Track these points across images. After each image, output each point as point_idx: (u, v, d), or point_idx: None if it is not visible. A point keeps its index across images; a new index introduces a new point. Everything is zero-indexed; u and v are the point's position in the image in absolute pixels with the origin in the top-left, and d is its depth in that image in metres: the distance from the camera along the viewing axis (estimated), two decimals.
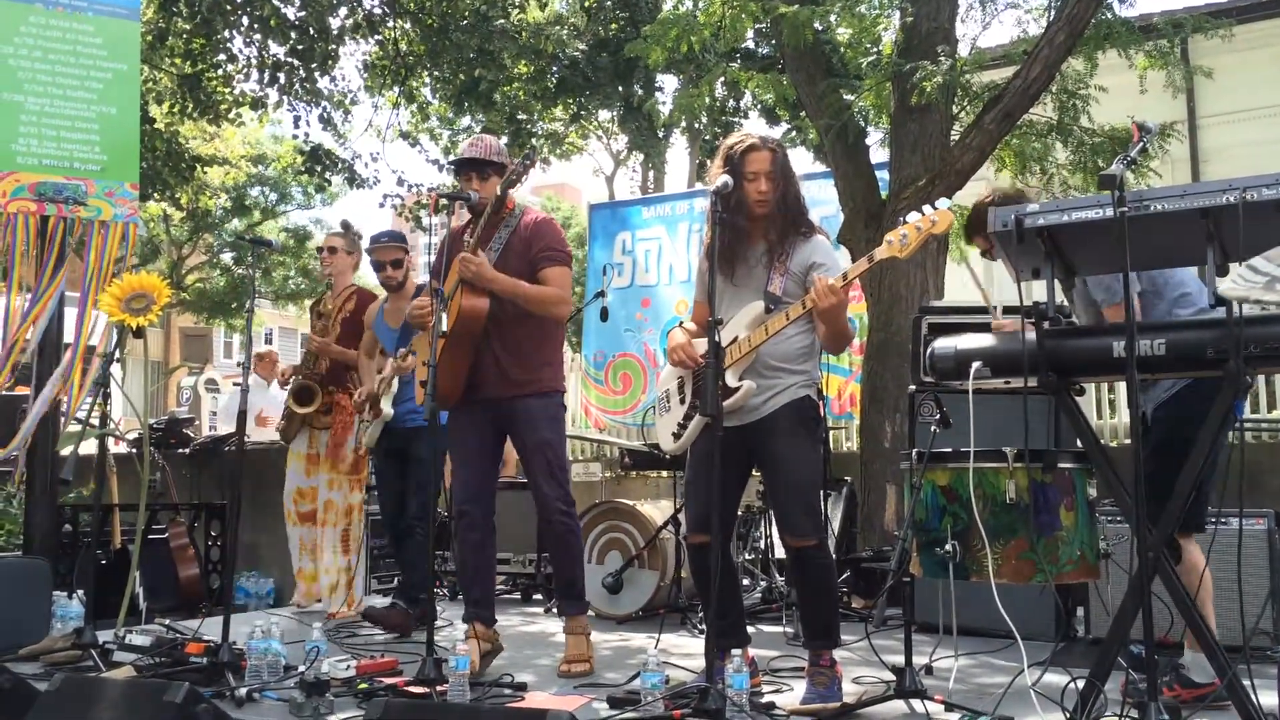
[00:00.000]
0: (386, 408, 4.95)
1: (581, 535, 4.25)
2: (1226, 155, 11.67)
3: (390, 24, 11.32)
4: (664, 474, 5.65)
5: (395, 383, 4.94)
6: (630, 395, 9.14)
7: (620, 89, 14.12)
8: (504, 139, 13.15)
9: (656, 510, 5.28)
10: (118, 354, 4.50)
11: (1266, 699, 2.69)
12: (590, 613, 4.27)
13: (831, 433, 6.28)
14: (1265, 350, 2.57)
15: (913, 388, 4.78)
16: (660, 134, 16.64)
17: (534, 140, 13.99)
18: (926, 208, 3.17)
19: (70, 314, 5.10)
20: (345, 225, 5.69)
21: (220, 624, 3.82)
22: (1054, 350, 2.82)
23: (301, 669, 3.40)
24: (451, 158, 4.61)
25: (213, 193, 18.85)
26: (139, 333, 4.23)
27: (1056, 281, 2.85)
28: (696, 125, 16.66)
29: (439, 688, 3.31)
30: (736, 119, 15.47)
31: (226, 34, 10.81)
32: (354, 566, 5.43)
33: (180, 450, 7.71)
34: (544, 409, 4.01)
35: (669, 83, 15.76)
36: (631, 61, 11.79)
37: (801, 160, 14.03)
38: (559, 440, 4.08)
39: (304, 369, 5.50)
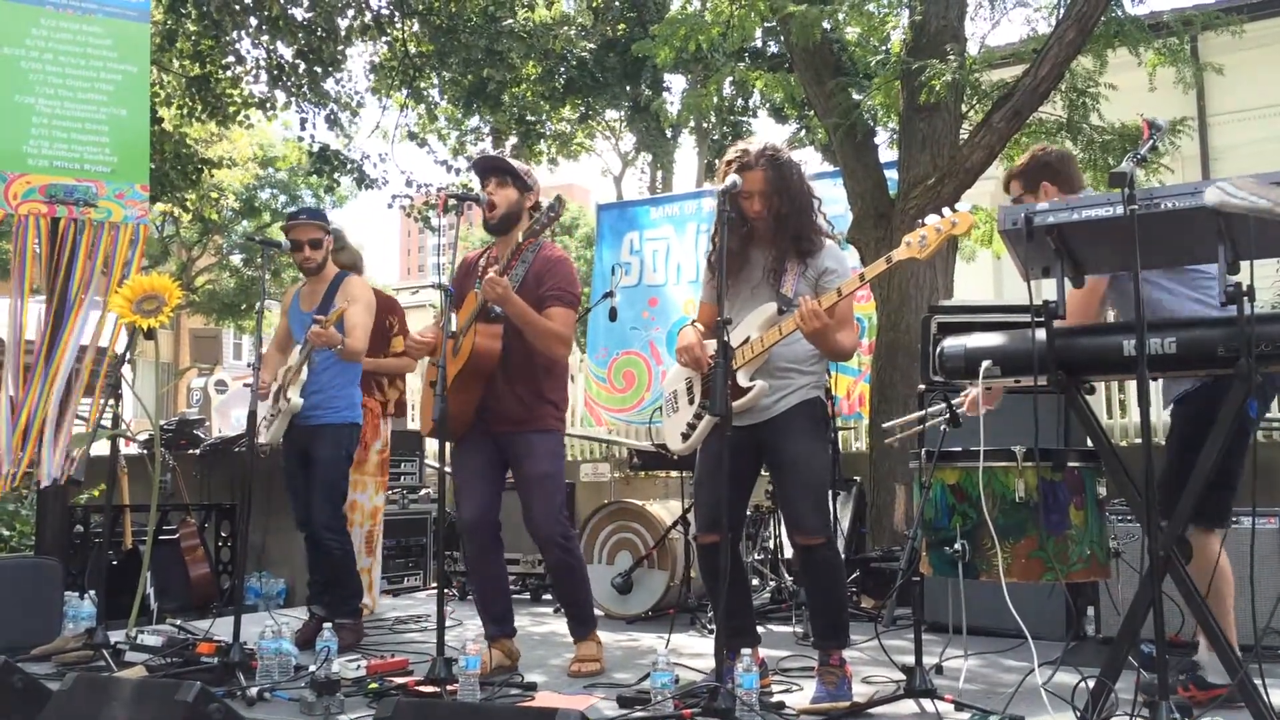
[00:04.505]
0: (295, 397, 4.58)
1: (582, 560, 4.22)
2: (1237, 153, 11.62)
3: (398, 25, 11.33)
4: (673, 474, 5.65)
5: (305, 371, 4.63)
6: (634, 393, 9.15)
7: (628, 89, 14.12)
8: (512, 139, 13.15)
9: (665, 510, 5.28)
10: (128, 355, 4.52)
11: (1279, 699, 2.68)
12: (599, 613, 4.28)
13: (840, 433, 6.26)
14: (1276, 349, 2.56)
15: (922, 387, 4.78)
16: (668, 134, 16.64)
17: (543, 141, 13.99)
18: (946, 210, 3.17)
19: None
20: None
21: (231, 624, 3.83)
22: (1064, 349, 2.81)
23: (312, 669, 3.42)
24: (473, 157, 4.58)
25: (220, 195, 18.89)
26: (150, 334, 4.25)
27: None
28: (705, 125, 16.67)
29: (449, 687, 3.32)
30: (745, 118, 15.46)
31: (235, 35, 10.83)
32: (373, 568, 5.49)
33: (190, 451, 7.74)
34: (545, 444, 4.01)
35: (677, 82, 15.77)
36: (639, 61, 11.79)
37: (810, 159, 14.02)
38: (558, 474, 4.07)
39: None
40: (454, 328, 3.68)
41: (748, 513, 5.01)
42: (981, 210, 7.46)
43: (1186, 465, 2.88)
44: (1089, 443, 3.03)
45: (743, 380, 3.35)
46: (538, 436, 3.99)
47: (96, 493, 6.64)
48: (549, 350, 3.96)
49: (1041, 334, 2.80)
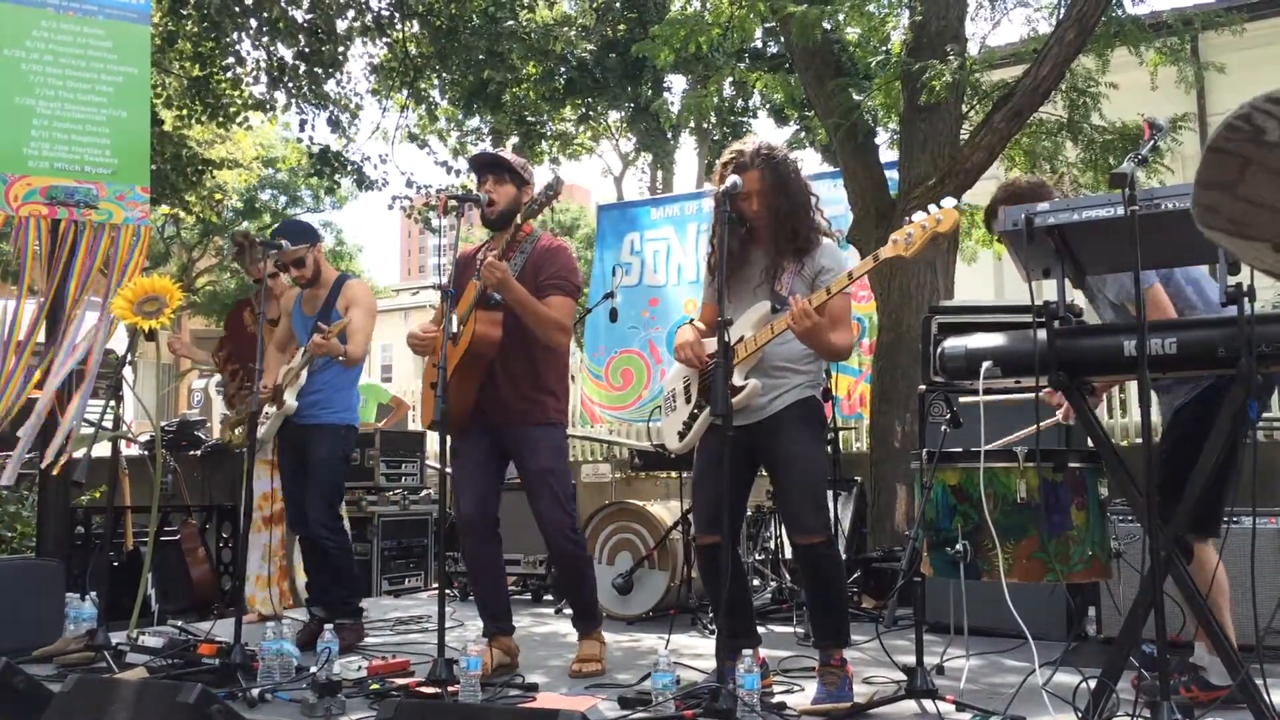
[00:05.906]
0: (290, 400, 4.62)
1: (589, 554, 4.21)
2: None
3: (399, 26, 11.32)
4: (673, 474, 5.65)
5: (304, 375, 4.66)
6: (631, 391, 9.16)
7: (629, 89, 14.10)
8: (513, 140, 13.15)
9: (666, 511, 5.28)
10: (129, 357, 4.51)
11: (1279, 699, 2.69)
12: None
13: (841, 433, 6.26)
14: (1276, 349, 2.56)
15: (923, 387, 4.78)
16: (669, 134, 16.62)
17: (544, 142, 13.98)
18: (932, 207, 3.17)
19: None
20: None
21: (232, 625, 3.83)
22: (1064, 349, 2.81)
23: (313, 670, 3.42)
24: (468, 155, 4.57)
25: (223, 196, 18.84)
26: (151, 335, 4.25)
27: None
28: (705, 125, 16.66)
29: (450, 688, 3.32)
30: (745, 119, 15.44)
31: (235, 36, 10.83)
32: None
33: (191, 452, 7.75)
34: (547, 437, 3.99)
35: (677, 83, 15.74)
36: (640, 62, 11.79)
37: (810, 160, 14.03)
38: (563, 469, 4.06)
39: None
40: (454, 329, 3.67)
41: (748, 513, 5.00)
42: (981, 210, 7.46)
43: (1183, 469, 2.87)
44: (1090, 443, 3.03)
45: (736, 379, 3.34)
46: (539, 430, 3.97)
47: (98, 494, 6.65)
48: (548, 338, 3.94)
49: (1042, 334, 2.80)
